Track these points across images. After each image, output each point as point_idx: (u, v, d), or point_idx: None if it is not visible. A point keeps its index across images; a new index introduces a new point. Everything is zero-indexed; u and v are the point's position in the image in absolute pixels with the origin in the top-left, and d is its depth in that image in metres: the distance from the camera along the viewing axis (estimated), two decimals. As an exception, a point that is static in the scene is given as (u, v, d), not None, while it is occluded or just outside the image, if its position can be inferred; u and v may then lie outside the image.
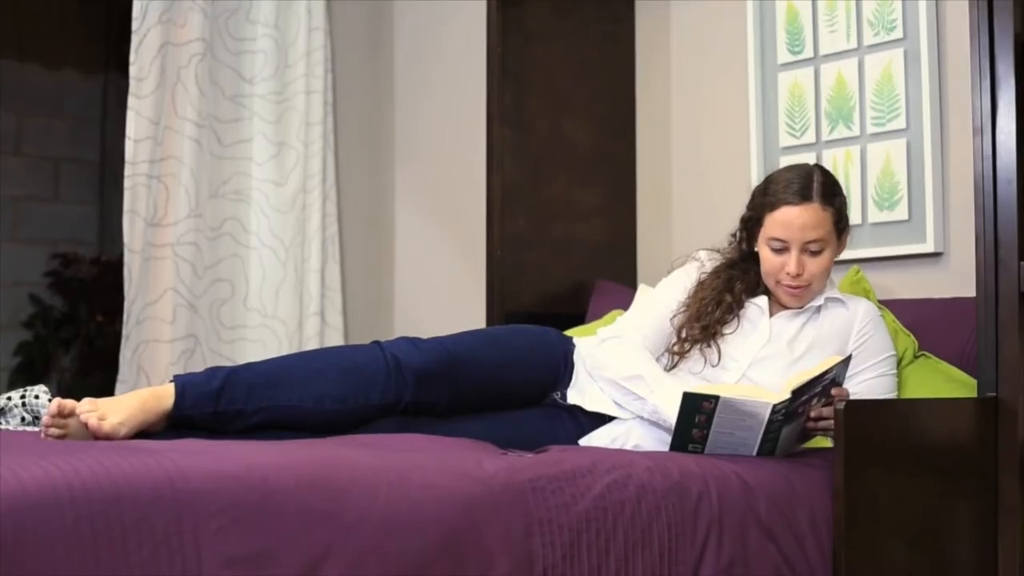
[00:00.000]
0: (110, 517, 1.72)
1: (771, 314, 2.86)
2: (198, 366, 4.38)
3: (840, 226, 2.84)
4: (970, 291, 2.71)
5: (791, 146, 3.74)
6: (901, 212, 3.48)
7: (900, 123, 3.47)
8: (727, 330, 2.81)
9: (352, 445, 2.26)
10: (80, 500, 1.71)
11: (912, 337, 3.05)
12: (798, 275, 2.78)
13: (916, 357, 3.01)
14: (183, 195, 4.29)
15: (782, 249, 2.80)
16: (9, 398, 2.66)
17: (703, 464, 2.34)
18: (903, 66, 3.46)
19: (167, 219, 4.28)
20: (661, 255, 4.14)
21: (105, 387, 4.71)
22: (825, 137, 3.66)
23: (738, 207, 3.86)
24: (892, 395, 2.76)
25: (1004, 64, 2.59)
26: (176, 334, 4.34)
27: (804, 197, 2.79)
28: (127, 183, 4.22)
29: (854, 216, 3.57)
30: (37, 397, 2.65)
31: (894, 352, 2.85)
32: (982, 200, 2.61)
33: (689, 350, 2.81)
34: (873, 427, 2.41)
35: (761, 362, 2.79)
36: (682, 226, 4.10)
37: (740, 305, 2.85)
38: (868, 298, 3.09)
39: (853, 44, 3.59)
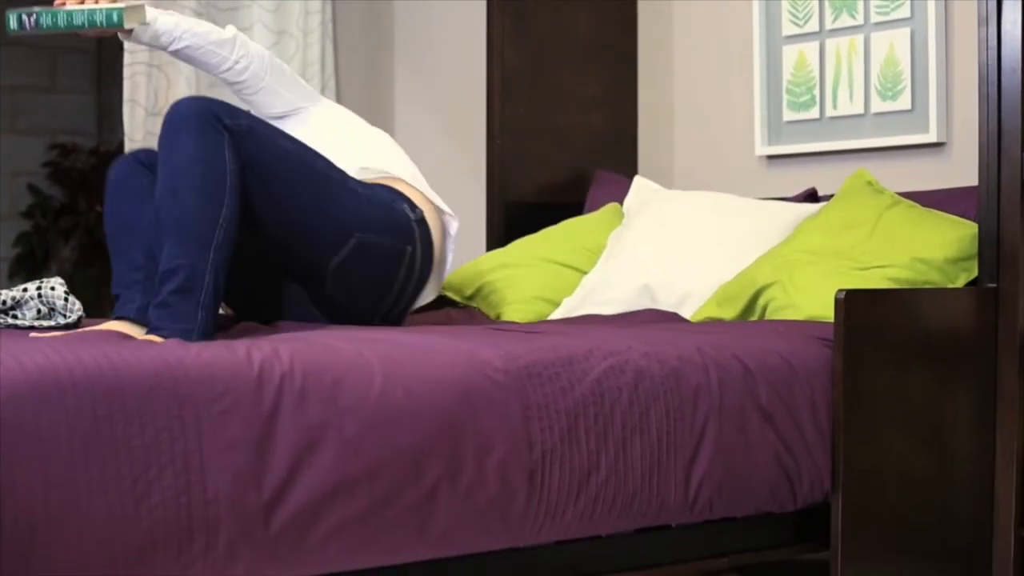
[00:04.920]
0: (111, 403, 1.74)
1: None
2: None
3: None
4: (972, 181, 2.71)
5: (794, 35, 3.71)
6: (904, 102, 3.46)
7: (904, 12, 3.45)
8: None
9: (347, 334, 2.27)
10: (81, 386, 1.73)
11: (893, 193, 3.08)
12: None
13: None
14: (183, 84, 4.26)
15: None
16: (25, 289, 2.66)
17: (704, 350, 2.34)
18: (908, -46, 3.43)
19: (168, 108, 4.26)
20: (661, 145, 4.13)
21: (106, 277, 4.72)
22: (828, 26, 3.63)
23: (741, 97, 3.85)
24: None
25: (1011, -48, 2.57)
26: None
27: None
28: (127, 72, 4.20)
29: (856, 106, 3.57)
30: (53, 289, 2.65)
31: None
32: (986, 90, 2.60)
33: None
34: (873, 316, 2.42)
35: None
36: (683, 116, 4.09)
37: None
38: (878, 193, 3.09)
39: (858, -68, 3.56)
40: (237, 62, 2.87)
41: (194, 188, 2.40)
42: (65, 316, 2.64)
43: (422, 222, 2.80)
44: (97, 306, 4.83)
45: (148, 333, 2.35)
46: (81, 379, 1.73)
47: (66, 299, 2.64)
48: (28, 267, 6.96)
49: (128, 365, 1.78)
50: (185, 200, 2.39)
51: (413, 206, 2.80)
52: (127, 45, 4.13)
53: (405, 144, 4.81)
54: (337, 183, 2.67)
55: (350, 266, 2.67)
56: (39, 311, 2.67)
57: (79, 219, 6.96)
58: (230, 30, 2.90)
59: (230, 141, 2.45)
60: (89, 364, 1.75)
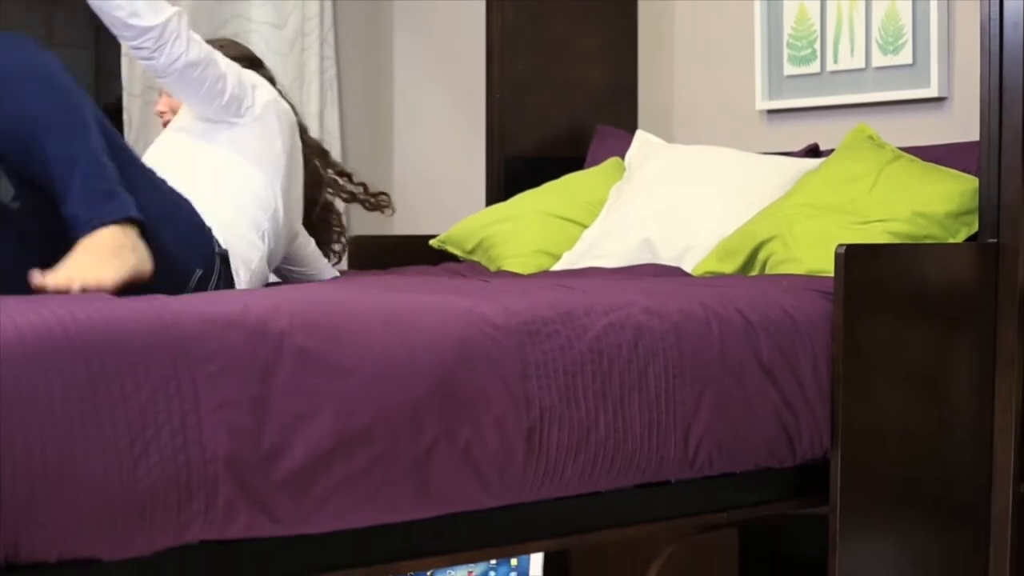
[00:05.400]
0: (106, 361, 1.73)
1: None
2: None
3: None
4: (974, 136, 2.70)
5: (795, -11, 3.70)
6: (905, 56, 3.45)
7: (906, -35, 3.44)
8: None
9: (347, 287, 2.27)
10: (76, 344, 1.71)
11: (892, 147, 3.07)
12: None
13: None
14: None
15: None
16: None
17: (707, 304, 2.34)
18: (910, -94, 3.41)
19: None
20: (662, 100, 4.12)
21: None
22: (830, -21, 3.62)
23: (741, 50, 3.84)
24: None
25: (1015, -97, 2.55)
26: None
27: None
28: (125, 25, 4.17)
29: (857, 60, 3.56)
30: None
31: None
32: (987, 44, 2.59)
33: None
34: (873, 271, 2.41)
35: None
36: (683, 72, 4.07)
37: None
38: (879, 148, 3.08)
39: None
40: (152, 54, 2.68)
41: (40, 91, 2.31)
42: None
43: (225, 260, 2.63)
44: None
45: (90, 231, 2.24)
46: (75, 338, 1.72)
47: None
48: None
49: (123, 322, 1.77)
50: (38, 104, 2.29)
51: (219, 245, 2.62)
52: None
53: (405, 98, 4.80)
54: (141, 170, 2.49)
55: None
56: None
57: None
58: (165, 13, 2.66)
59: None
60: (83, 322, 1.74)
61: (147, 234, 2.30)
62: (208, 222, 2.58)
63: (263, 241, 2.79)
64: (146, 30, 2.62)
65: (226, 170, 2.82)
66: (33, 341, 1.69)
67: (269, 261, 2.85)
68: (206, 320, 1.83)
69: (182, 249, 2.48)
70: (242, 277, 2.67)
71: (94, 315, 1.76)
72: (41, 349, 1.69)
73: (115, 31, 2.65)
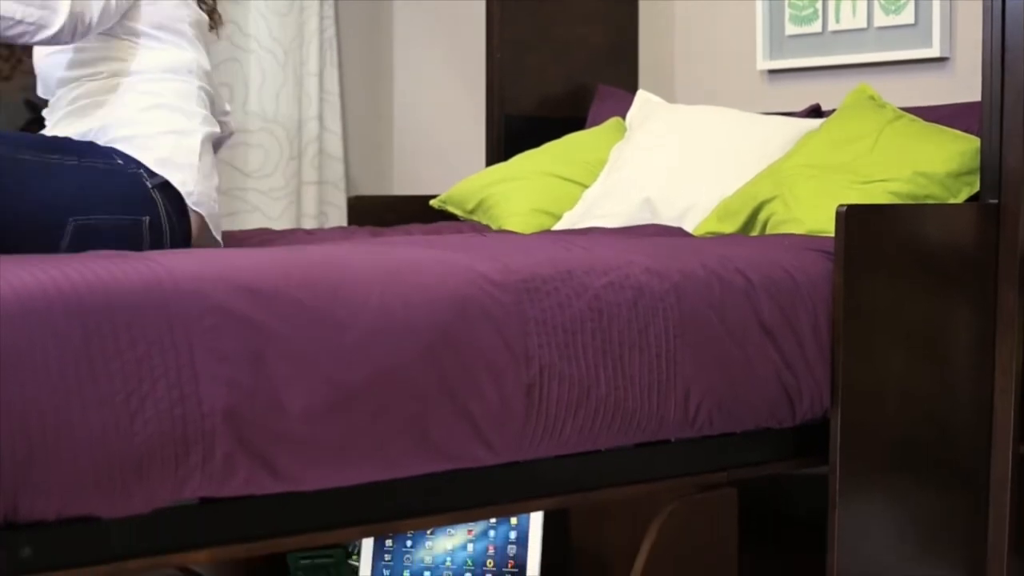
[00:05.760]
0: (100, 319, 1.72)
1: None
2: (198, 171, 4.37)
3: None
4: (975, 97, 2.69)
5: (797, -52, 3.69)
6: (907, 16, 3.44)
7: (909, -76, 3.42)
8: None
9: (343, 245, 2.26)
10: (70, 303, 1.71)
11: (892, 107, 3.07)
12: None
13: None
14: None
15: None
16: None
17: (708, 264, 2.34)
18: None
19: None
20: (663, 60, 4.11)
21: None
22: (832, -61, 3.60)
23: (742, 10, 3.82)
24: None
25: None
26: (176, 138, 4.32)
27: None
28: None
29: (859, 20, 3.55)
30: None
31: None
32: (990, 4, 2.57)
33: None
34: (874, 231, 2.41)
35: None
36: (684, 32, 4.06)
37: None
38: (880, 108, 3.07)
39: None
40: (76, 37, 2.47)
41: None
42: None
43: (164, 186, 2.49)
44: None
45: None
46: (70, 296, 1.72)
47: None
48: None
49: (117, 280, 1.77)
50: None
51: (154, 173, 2.48)
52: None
53: (405, 57, 4.79)
54: (35, 166, 2.36)
55: (81, 251, 2.27)
56: None
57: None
58: (61, 13, 2.41)
59: None
60: (77, 281, 1.74)
61: None
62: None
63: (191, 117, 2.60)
64: (59, 32, 2.43)
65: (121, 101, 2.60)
66: (28, 300, 1.69)
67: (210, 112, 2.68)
68: (199, 277, 1.83)
69: (116, 211, 2.39)
70: (194, 188, 2.53)
71: (87, 274, 1.76)
72: (35, 309, 1.68)
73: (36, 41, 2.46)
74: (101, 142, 2.50)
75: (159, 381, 1.75)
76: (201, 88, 2.63)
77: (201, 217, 2.55)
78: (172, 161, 2.51)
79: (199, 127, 2.58)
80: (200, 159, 2.55)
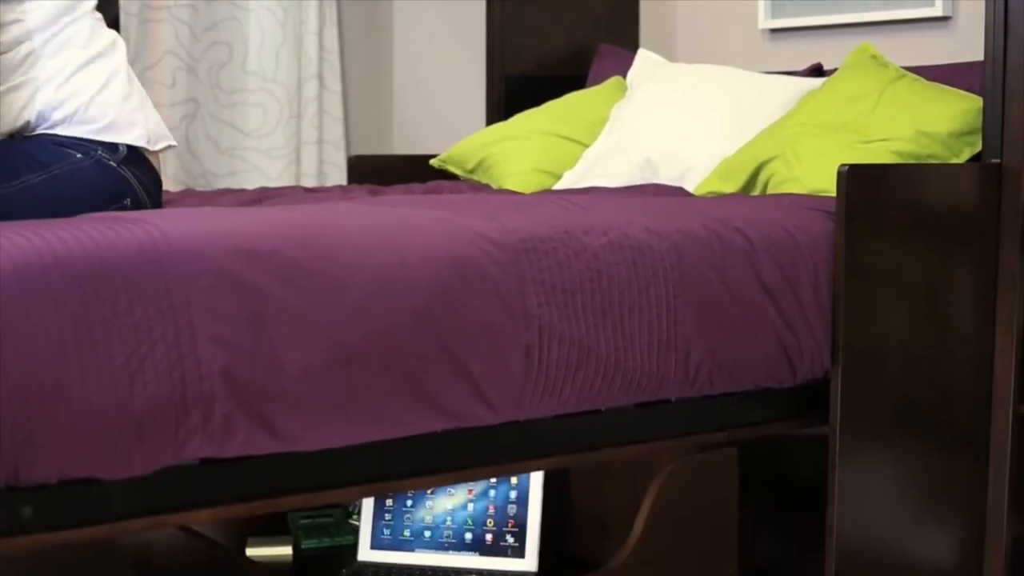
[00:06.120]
0: (96, 282, 1.71)
1: None
2: (199, 131, 4.37)
3: None
4: (978, 56, 2.68)
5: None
6: (910, -25, 3.42)
7: None
8: None
9: (341, 204, 2.25)
10: (66, 266, 1.70)
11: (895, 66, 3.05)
12: None
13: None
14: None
15: None
16: None
17: (708, 224, 2.33)
18: None
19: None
20: (664, 19, 4.09)
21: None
22: None
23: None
24: None
25: None
26: (176, 98, 4.31)
27: None
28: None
29: (862, -22, 3.53)
30: None
31: None
32: (993, -37, 2.57)
33: None
34: (875, 191, 2.40)
35: None
36: (686, -11, 4.04)
37: None
38: (882, 67, 3.06)
39: None
40: None
41: None
42: None
43: (127, 156, 2.41)
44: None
45: None
46: (65, 260, 1.71)
47: None
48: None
49: (112, 244, 1.76)
50: None
51: (113, 147, 2.40)
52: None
53: (404, 16, 4.77)
54: (7, 201, 2.26)
55: None
56: None
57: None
58: None
59: None
60: (72, 245, 1.73)
61: None
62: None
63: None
64: None
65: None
66: (23, 266, 1.68)
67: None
68: (195, 238, 1.82)
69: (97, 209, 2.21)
70: (145, 129, 2.44)
71: (82, 238, 1.75)
72: (31, 274, 1.68)
73: None
74: (43, 129, 2.40)
75: (157, 343, 1.74)
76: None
77: (166, 146, 2.49)
78: (116, 124, 2.43)
79: (111, 61, 2.46)
80: (129, 98, 2.45)
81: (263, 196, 3.10)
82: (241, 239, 1.86)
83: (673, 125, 3.29)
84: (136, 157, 2.44)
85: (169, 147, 2.52)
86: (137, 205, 2.40)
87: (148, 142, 2.45)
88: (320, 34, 4.56)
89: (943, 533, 2.56)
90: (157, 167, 2.50)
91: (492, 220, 2.13)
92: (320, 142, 4.58)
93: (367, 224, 2.03)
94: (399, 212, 2.15)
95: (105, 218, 1.91)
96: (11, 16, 2.39)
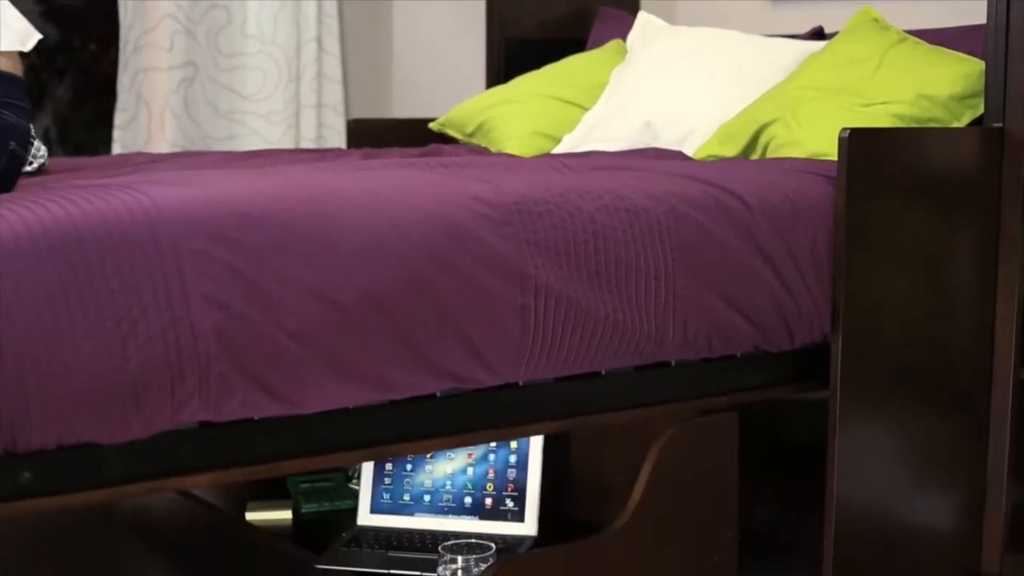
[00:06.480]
0: (86, 248, 1.70)
1: None
2: (198, 95, 4.36)
3: None
4: (980, 20, 2.67)
5: None
6: (912, -63, 3.40)
7: None
8: None
9: (330, 170, 2.25)
10: (56, 235, 1.69)
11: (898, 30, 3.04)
12: None
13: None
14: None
15: None
16: None
17: (706, 188, 2.33)
18: None
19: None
20: (665, -19, 4.07)
21: (102, 116, 4.69)
22: None
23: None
24: None
25: None
26: (174, 62, 4.30)
27: None
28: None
29: (864, -59, 3.51)
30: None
31: None
32: (996, -76, 2.55)
33: None
34: (876, 155, 2.39)
35: None
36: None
37: None
38: (883, 30, 3.04)
39: None
40: None
41: None
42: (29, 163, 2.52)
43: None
44: (92, 145, 4.79)
45: None
46: (53, 230, 1.70)
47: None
48: (24, 105, 6.90)
49: (100, 212, 1.75)
50: None
51: None
52: None
53: (404, -21, 4.74)
54: None
55: None
56: None
57: (73, 57, 6.88)
58: None
59: None
60: (61, 215, 1.73)
61: None
62: None
63: None
64: None
65: None
66: (12, 237, 1.68)
67: None
68: (187, 202, 1.82)
69: None
70: None
71: (71, 208, 1.75)
72: (22, 244, 1.68)
73: None
74: None
75: (149, 307, 1.74)
76: None
77: None
78: None
79: None
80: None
81: (250, 158, 3.10)
82: (231, 202, 1.85)
83: (673, 88, 3.27)
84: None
85: None
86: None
87: None
88: (319, -2, 4.54)
89: (943, 498, 2.56)
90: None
91: (486, 182, 2.13)
92: (319, 106, 4.57)
93: (358, 187, 2.02)
94: (391, 174, 2.15)
95: (91, 184, 1.90)
96: None
